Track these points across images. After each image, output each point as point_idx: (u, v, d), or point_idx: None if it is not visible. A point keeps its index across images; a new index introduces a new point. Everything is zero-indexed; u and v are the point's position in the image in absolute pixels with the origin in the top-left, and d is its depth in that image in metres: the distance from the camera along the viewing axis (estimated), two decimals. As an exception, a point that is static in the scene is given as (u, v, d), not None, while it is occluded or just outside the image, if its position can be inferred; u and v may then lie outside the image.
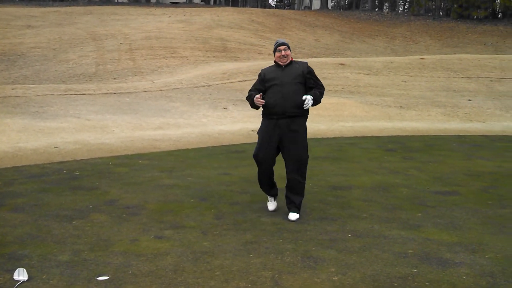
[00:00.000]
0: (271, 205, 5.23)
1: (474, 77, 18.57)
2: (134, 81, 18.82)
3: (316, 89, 4.95)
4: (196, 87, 16.40)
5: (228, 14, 35.41)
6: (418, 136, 10.67)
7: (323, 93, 5.01)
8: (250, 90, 5.10)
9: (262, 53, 25.74)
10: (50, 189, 6.02)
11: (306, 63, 5.07)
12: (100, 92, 15.00)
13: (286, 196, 5.04)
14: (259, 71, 5.17)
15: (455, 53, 26.45)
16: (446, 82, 17.85)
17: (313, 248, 4.16)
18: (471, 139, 10.40)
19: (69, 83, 18.72)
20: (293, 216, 4.92)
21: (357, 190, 6.05)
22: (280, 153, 5.05)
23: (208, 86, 16.56)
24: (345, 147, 9.20)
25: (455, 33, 36.13)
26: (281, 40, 5.04)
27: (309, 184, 6.24)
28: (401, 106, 14.31)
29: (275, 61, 5.03)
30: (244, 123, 11.74)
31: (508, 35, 34.57)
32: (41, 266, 3.79)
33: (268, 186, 5.15)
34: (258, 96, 4.87)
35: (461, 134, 11.08)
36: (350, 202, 5.51)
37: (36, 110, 11.78)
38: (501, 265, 3.82)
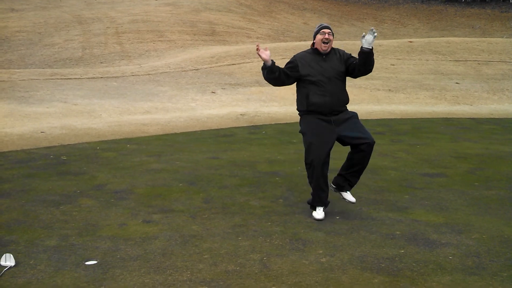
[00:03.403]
0: (320, 213, 4.50)
1: (462, 60, 18.63)
2: (121, 65, 18.63)
3: None
4: (184, 71, 16.29)
5: (216, -3, 35.00)
6: (406, 119, 10.72)
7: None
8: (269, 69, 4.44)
9: (250, 37, 25.57)
10: (37, 174, 5.97)
11: (343, 50, 4.62)
12: (87, 77, 14.84)
13: (342, 175, 4.59)
14: (292, 57, 4.56)
15: (443, 36, 26.49)
16: (434, 65, 17.90)
17: (302, 231, 4.18)
18: (459, 121, 10.46)
19: (55, 67, 18.49)
20: (350, 197, 4.61)
21: (345, 173, 6.07)
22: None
23: (196, 70, 16.45)
24: (334, 130, 9.21)
25: (443, 16, 36.15)
26: (325, 24, 4.52)
27: (297, 167, 6.25)
28: (389, 89, 14.34)
29: (312, 47, 4.51)
30: (233, 107, 11.70)
31: (495, 18, 34.67)
32: (28, 251, 3.76)
33: (324, 190, 4.45)
34: (262, 49, 4.31)
35: (448, 117, 11.15)
36: (338, 184, 5.52)
37: (21, 95, 11.62)
38: (486, 245, 3.87)
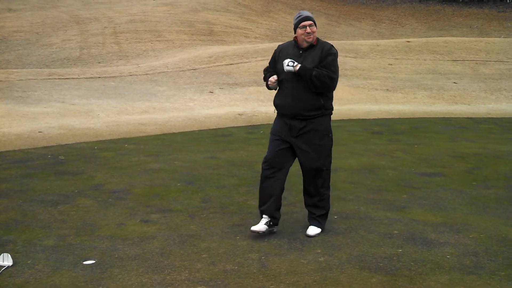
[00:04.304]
0: (259, 225, 3.98)
1: (460, 60, 18.66)
2: (119, 65, 18.61)
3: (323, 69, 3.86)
4: (182, 70, 16.28)
5: (214, -3, 34.98)
6: (404, 118, 10.73)
7: (329, 77, 3.82)
8: (264, 70, 4.16)
9: (248, 37, 25.57)
10: (34, 174, 5.96)
11: (331, 45, 3.96)
12: (85, 77, 14.82)
13: (307, 210, 4.19)
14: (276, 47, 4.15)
15: (441, 36, 26.52)
16: (432, 65, 17.92)
17: (300, 230, 4.17)
18: (456, 121, 10.48)
19: (53, 67, 18.45)
20: (311, 230, 4.03)
21: (343, 173, 6.08)
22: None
23: (194, 69, 16.44)
24: (332, 130, 9.21)
25: (441, 16, 36.19)
26: (305, 13, 3.93)
27: (295, 167, 6.24)
28: (387, 89, 14.35)
29: (295, 39, 3.98)
30: (231, 107, 11.70)
31: (493, 18, 34.73)
32: (26, 251, 3.76)
33: (268, 200, 3.98)
34: (272, 79, 3.95)
35: (446, 116, 11.16)
36: (336, 184, 5.53)
37: (19, 95, 11.60)
38: (484, 244, 3.88)
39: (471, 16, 35.60)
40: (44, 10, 29.77)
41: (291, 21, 29.03)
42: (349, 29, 31.69)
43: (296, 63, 3.84)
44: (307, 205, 4.18)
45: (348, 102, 12.55)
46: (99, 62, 19.41)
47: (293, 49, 3.96)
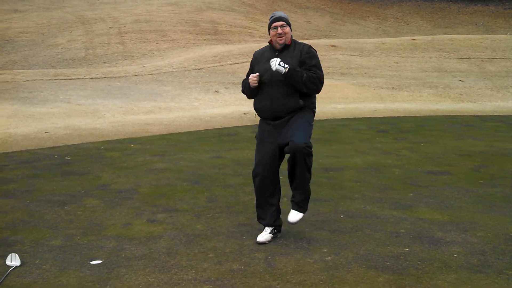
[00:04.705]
0: (262, 236, 3.96)
1: (466, 58, 18.58)
2: (124, 65, 18.66)
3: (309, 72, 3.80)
4: (187, 70, 16.30)
5: (218, -4, 34.98)
6: (410, 117, 10.70)
7: (319, 80, 3.80)
8: (243, 80, 4.11)
9: (253, 36, 25.56)
10: (41, 174, 5.99)
11: (308, 46, 3.92)
12: (90, 77, 14.87)
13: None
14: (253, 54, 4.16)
15: (446, 34, 26.42)
16: (437, 63, 17.86)
17: (306, 229, 4.17)
18: (463, 119, 10.44)
19: (59, 67, 18.52)
20: (292, 216, 3.89)
21: (349, 171, 6.07)
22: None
23: (199, 69, 16.46)
24: (337, 128, 9.21)
25: (447, 14, 36.04)
26: (278, 14, 3.91)
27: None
28: (393, 87, 14.31)
29: (270, 42, 3.95)
30: (236, 106, 11.71)
31: (499, 15, 34.54)
32: (34, 251, 3.78)
33: (264, 208, 3.98)
34: (253, 76, 3.86)
35: (452, 114, 11.12)
36: (342, 183, 5.52)
37: (25, 96, 11.66)
38: (491, 243, 3.86)
39: (476, 14, 35.43)
40: (49, 11, 29.88)
41: (295, 19, 28.82)
42: (354, 27, 31.61)
43: (286, 65, 3.73)
44: (292, 191, 3.99)
45: (354, 100, 12.52)
46: (105, 62, 19.47)
47: (269, 52, 3.93)
